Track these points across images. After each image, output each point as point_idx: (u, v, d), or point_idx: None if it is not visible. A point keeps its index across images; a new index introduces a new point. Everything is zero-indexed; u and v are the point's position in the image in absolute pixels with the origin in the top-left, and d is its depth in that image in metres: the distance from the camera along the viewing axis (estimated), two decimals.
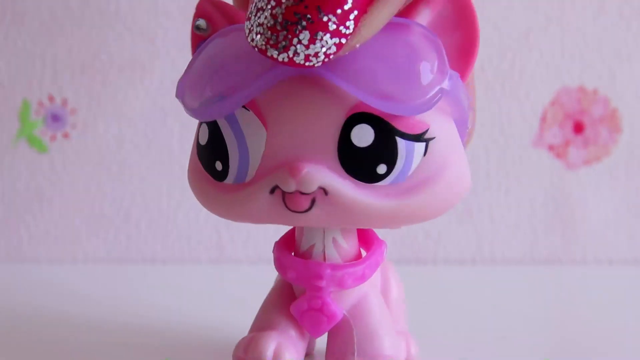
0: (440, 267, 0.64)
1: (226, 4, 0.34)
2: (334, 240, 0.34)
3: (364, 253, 0.35)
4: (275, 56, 0.29)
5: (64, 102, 0.63)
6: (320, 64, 0.29)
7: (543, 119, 0.64)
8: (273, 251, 0.35)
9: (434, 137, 0.32)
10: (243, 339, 0.35)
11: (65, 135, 0.63)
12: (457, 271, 0.63)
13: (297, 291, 0.35)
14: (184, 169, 0.63)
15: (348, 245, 0.34)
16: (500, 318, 0.49)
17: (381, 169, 0.31)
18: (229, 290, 0.55)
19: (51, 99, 0.63)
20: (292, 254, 0.35)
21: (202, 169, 0.33)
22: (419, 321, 0.46)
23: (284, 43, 0.29)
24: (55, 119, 0.63)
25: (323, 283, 0.33)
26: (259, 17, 0.29)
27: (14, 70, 0.62)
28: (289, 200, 0.31)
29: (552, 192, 0.65)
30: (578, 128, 0.64)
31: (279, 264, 0.34)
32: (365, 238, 0.35)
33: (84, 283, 0.57)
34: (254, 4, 0.30)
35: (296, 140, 0.31)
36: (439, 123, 0.32)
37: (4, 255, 0.63)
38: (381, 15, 0.30)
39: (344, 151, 0.31)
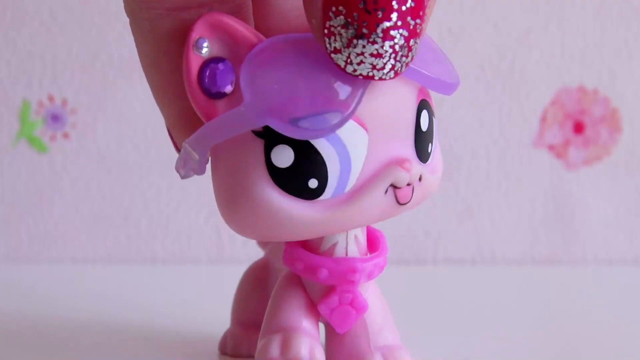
0: (440, 267, 0.64)
1: (228, 23, 0.32)
2: (355, 237, 0.34)
3: None
4: (383, 77, 0.30)
5: (64, 102, 0.63)
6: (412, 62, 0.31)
7: (543, 119, 0.64)
8: (289, 255, 0.34)
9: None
10: (270, 340, 0.34)
11: (65, 135, 0.63)
12: (457, 271, 0.63)
13: (313, 290, 0.35)
14: None
15: (363, 239, 0.35)
16: (500, 318, 0.49)
17: (429, 148, 0.33)
18: (229, 290, 0.55)
19: (51, 99, 0.63)
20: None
21: (281, 192, 0.32)
22: (419, 321, 0.47)
23: (389, 64, 0.30)
24: (55, 119, 0.63)
25: (357, 277, 0.34)
26: (355, 47, 0.29)
27: (14, 70, 0.62)
28: (400, 194, 0.32)
29: (552, 192, 0.65)
30: (578, 128, 0.64)
31: (306, 265, 0.34)
32: (367, 230, 0.36)
33: (83, 283, 0.57)
34: (338, 35, 0.29)
35: (391, 135, 0.32)
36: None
37: (4, 255, 0.63)
38: (433, 5, 0.31)
39: (417, 137, 0.33)
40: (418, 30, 0.30)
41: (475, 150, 0.64)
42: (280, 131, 0.30)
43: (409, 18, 0.29)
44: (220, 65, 0.32)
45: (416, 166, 0.32)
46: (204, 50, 0.32)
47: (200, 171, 0.34)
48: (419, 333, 0.42)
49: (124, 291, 0.54)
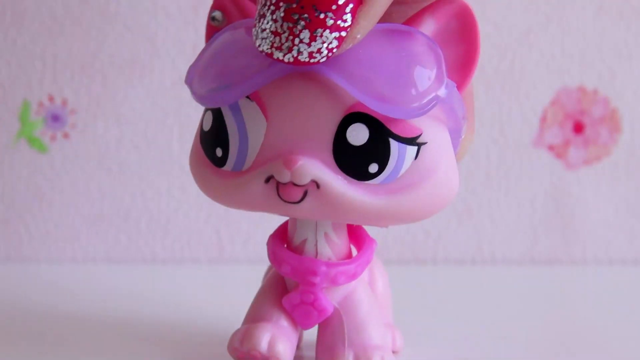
0: (440, 267, 0.64)
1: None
2: (326, 235, 0.35)
3: (353, 250, 0.36)
4: (281, 58, 0.31)
5: (64, 102, 0.63)
6: (324, 59, 0.31)
7: (543, 119, 0.64)
8: (267, 244, 0.36)
9: (426, 142, 0.33)
10: (237, 330, 0.35)
11: (65, 136, 0.63)
12: (457, 271, 0.63)
13: (289, 284, 0.36)
14: (184, 169, 0.63)
15: (339, 240, 0.35)
16: (500, 318, 0.49)
17: (373, 167, 0.32)
18: (228, 290, 0.55)
19: (51, 99, 0.63)
20: (285, 247, 0.36)
21: (204, 154, 0.34)
22: (419, 321, 0.47)
23: (287, 44, 0.30)
24: (55, 119, 0.63)
25: (317, 279, 0.34)
26: (262, 23, 0.31)
27: (14, 70, 0.62)
28: (282, 190, 0.32)
29: (552, 192, 0.65)
30: (578, 128, 0.64)
31: (274, 257, 0.35)
32: (356, 235, 0.36)
33: (84, 283, 0.57)
34: (257, 12, 0.31)
35: (294, 133, 0.32)
36: (432, 129, 0.33)
37: (4, 255, 0.63)
38: (377, 5, 0.31)
39: (338, 148, 0.32)
40: (328, 23, 0.30)
41: (475, 150, 0.64)
42: (193, 97, 0.34)
43: (313, 6, 0.30)
44: None
45: (310, 169, 0.32)
46: (216, 22, 0.35)
47: None
48: (418, 333, 0.42)
49: (123, 291, 0.54)
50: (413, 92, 0.31)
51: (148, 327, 0.45)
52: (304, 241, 0.35)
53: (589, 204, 0.65)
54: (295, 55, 0.30)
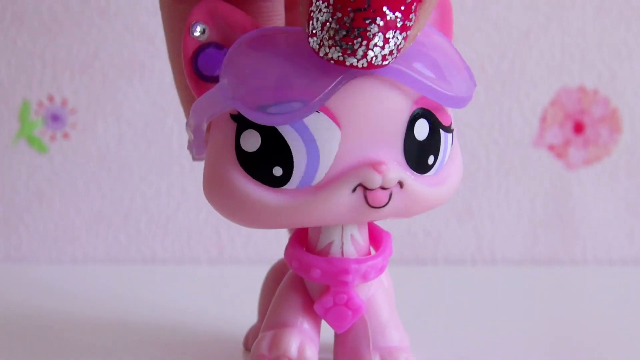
0: (440, 267, 0.64)
1: (224, 10, 0.33)
2: (352, 237, 0.34)
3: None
4: (355, 64, 0.30)
5: (64, 102, 0.63)
6: (394, 59, 0.31)
7: (543, 119, 0.64)
8: (288, 253, 0.35)
9: (454, 129, 0.34)
10: (263, 337, 0.34)
11: (65, 135, 0.63)
12: (457, 271, 0.63)
13: (314, 289, 0.35)
14: (184, 169, 0.63)
15: (363, 241, 0.35)
16: (500, 318, 0.49)
17: (431, 160, 0.33)
18: (229, 291, 0.55)
19: (51, 99, 0.63)
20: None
21: (246, 176, 0.32)
22: (419, 321, 0.46)
23: (361, 50, 0.30)
24: (55, 119, 0.63)
25: (350, 278, 0.34)
26: (328, 30, 0.30)
27: (14, 70, 0.62)
28: (370, 197, 0.32)
29: (552, 192, 0.65)
30: (578, 128, 0.64)
31: (300, 264, 0.34)
32: (372, 231, 0.36)
33: (84, 283, 0.57)
34: (314, 20, 0.30)
35: (370, 136, 0.32)
36: (451, 115, 0.34)
37: (4, 255, 0.63)
38: (434, 2, 0.31)
39: (408, 145, 0.32)
40: (399, 25, 0.30)
41: (475, 150, 0.64)
42: (244, 114, 0.31)
43: (385, 8, 0.29)
44: (213, 50, 0.33)
45: (394, 171, 0.32)
46: (198, 34, 0.33)
47: (200, 152, 0.35)
48: (418, 333, 0.42)
49: (123, 291, 0.54)
50: (468, 80, 0.33)
51: (148, 327, 0.45)
52: (330, 244, 0.34)
53: (589, 204, 0.65)
54: (369, 59, 0.30)
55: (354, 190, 0.32)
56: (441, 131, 0.33)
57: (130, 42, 0.62)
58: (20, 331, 0.44)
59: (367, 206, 0.32)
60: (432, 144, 0.33)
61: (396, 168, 0.32)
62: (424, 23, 0.31)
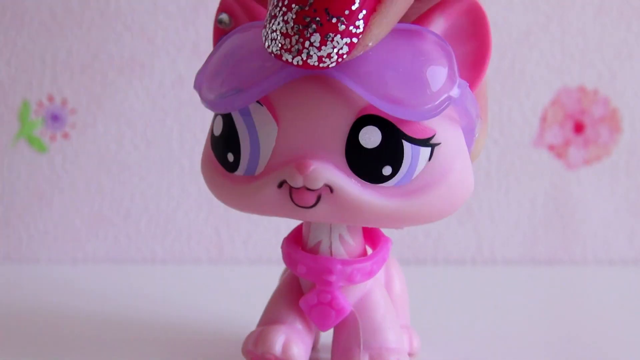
0: (440, 267, 0.64)
1: (249, 0, 0.35)
2: (340, 237, 0.35)
3: (369, 250, 0.36)
4: (290, 60, 0.30)
5: (64, 102, 0.63)
6: (334, 64, 0.30)
7: (543, 119, 0.64)
8: (282, 247, 0.36)
9: (439, 143, 0.32)
10: (252, 332, 0.35)
11: (65, 135, 0.63)
12: (457, 271, 0.63)
13: (305, 286, 0.36)
14: (184, 169, 0.63)
15: (354, 241, 0.35)
16: (500, 318, 0.49)
17: (386, 170, 0.32)
18: (228, 290, 0.55)
19: (51, 99, 0.63)
20: (300, 249, 0.36)
21: (215, 159, 0.34)
22: (419, 321, 0.46)
23: (297, 47, 0.30)
24: (55, 119, 0.63)
25: (333, 278, 0.34)
26: (272, 24, 0.30)
27: (14, 70, 0.62)
28: (295, 195, 0.32)
29: (552, 192, 0.65)
30: (578, 128, 0.64)
31: (289, 258, 0.35)
32: (371, 235, 0.36)
33: (84, 283, 0.57)
34: (268, 12, 0.31)
35: (306, 137, 0.32)
36: (445, 129, 0.33)
37: (4, 255, 0.63)
38: (391, 13, 0.30)
39: (351, 151, 0.32)
40: (340, 28, 0.30)
41: None
42: (203, 103, 0.33)
43: (326, 9, 0.29)
44: None
45: (321, 173, 0.31)
46: (223, 24, 0.34)
47: None
48: (419, 333, 0.42)
49: (123, 291, 0.54)
50: (425, 93, 0.31)
51: (148, 327, 0.45)
52: (319, 243, 0.35)
53: (589, 204, 0.65)
54: (304, 58, 0.30)
55: (280, 185, 0.32)
56: (405, 142, 0.32)
57: (130, 42, 0.62)
58: (21, 331, 0.44)
59: (293, 204, 0.32)
60: (386, 154, 0.32)
61: (325, 171, 0.31)
62: (381, 33, 0.30)
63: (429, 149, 0.32)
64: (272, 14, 0.30)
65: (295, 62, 0.30)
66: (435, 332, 0.45)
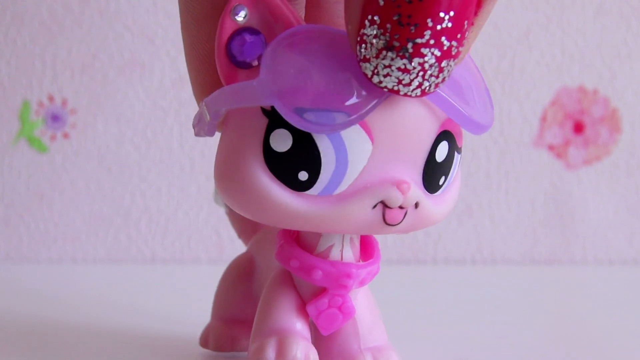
0: (440, 267, 0.64)
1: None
2: (352, 241, 0.34)
3: None
4: (409, 94, 0.29)
5: (64, 102, 0.63)
6: (444, 84, 0.30)
7: (543, 119, 0.64)
8: (285, 252, 0.34)
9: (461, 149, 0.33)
10: (265, 343, 0.34)
11: (65, 135, 0.63)
12: (457, 271, 0.63)
13: (306, 291, 0.35)
14: (184, 169, 0.63)
15: (359, 244, 0.35)
16: (500, 318, 0.49)
17: (442, 180, 0.32)
18: None
19: (51, 99, 0.63)
20: None
21: (270, 175, 0.31)
22: (419, 321, 0.46)
23: (417, 81, 0.29)
24: (55, 119, 0.63)
25: (350, 282, 0.34)
26: (384, 59, 0.29)
27: (14, 70, 0.62)
28: (389, 215, 0.31)
29: (552, 192, 0.65)
30: (578, 128, 0.64)
31: (302, 264, 0.34)
32: (363, 236, 0.36)
33: (84, 283, 0.57)
34: (368, 44, 0.29)
35: (397, 154, 0.31)
36: None
37: (4, 255, 0.63)
38: (482, 24, 0.30)
39: (428, 166, 0.32)
40: (453, 52, 0.29)
41: (475, 150, 0.64)
42: (283, 116, 0.30)
43: (443, 38, 0.29)
44: (252, 37, 0.32)
45: (414, 191, 0.31)
46: (240, 18, 0.32)
47: (210, 133, 0.34)
48: (418, 333, 0.42)
49: (124, 291, 0.54)
50: (490, 109, 0.32)
51: (148, 327, 0.45)
52: (330, 247, 0.34)
53: (589, 204, 0.65)
54: (423, 89, 0.29)
55: (375, 206, 0.31)
56: (455, 153, 0.32)
57: (130, 42, 0.62)
58: (20, 331, 0.44)
59: (383, 223, 0.31)
60: (447, 166, 0.32)
61: (415, 188, 0.31)
62: (472, 45, 0.30)
63: (459, 156, 0.33)
64: (379, 46, 0.29)
65: (414, 95, 0.29)
66: (435, 332, 0.45)
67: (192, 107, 0.62)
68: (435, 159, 0.32)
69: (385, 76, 0.29)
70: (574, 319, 0.51)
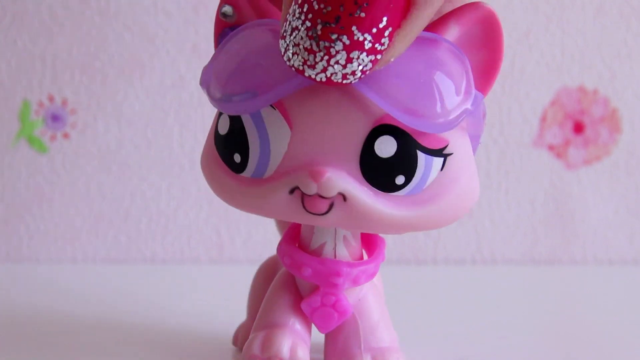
0: (440, 267, 0.64)
1: None
2: (345, 239, 0.34)
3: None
4: (313, 76, 0.30)
5: (64, 102, 0.63)
6: (356, 80, 0.30)
7: (543, 119, 0.64)
8: (280, 249, 0.35)
9: (451, 153, 0.32)
10: (254, 337, 0.35)
11: (65, 135, 0.63)
12: (457, 271, 0.63)
13: (304, 287, 0.35)
14: (184, 169, 0.63)
15: (356, 243, 0.35)
16: (500, 318, 0.49)
17: (399, 179, 0.32)
18: (228, 290, 0.55)
19: (51, 99, 0.63)
20: None
21: (219, 158, 0.33)
22: (419, 321, 0.47)
23: (321, 64, 0.29)
24: (55, 119, 0.63)
25: (340, 280, 0.34)
26: (295, 37, 0.30)
27: (14, 70, 0.62)
28: (307, 202, 0.32)
29: (552, 192, 0.65)
30: (578, 128, 0.64)
31: (292, 261, 0.34)
32: (366, 236, 0.36)
33: (84, 283, 0.57)
34: (287, 22, 0.30)
35: (320, 144, 0.31)
36: (457, 139, 0.33)
37: (4, 255, 0.63)
38: (414, 29, 0.30)
39: (365, 160, 0.31)
40: (366, 47, 0.29)
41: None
42: (210, 101, 0.33)
43: (354, 27, 0.29)
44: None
45: (337, 182, 0.31)
46: (227, 17, 0.34)
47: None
48: (418, 333, 0.42)
49: (124, 291, 0.54)
50: (444, 106, 0.31)
51: (148, 326, 0.45)
52: (323, 245, 0.34)
53: (589, 204, 0.65)
54: (328, 75, 0.30)
55: (292, 192, 0.32)
56: (420, 153, 0.32)
57: (130, 42, 0.62)
58: (21, 331, 0.44)
59: (305, 210, 0.32)
60: (401, 164, 0.31)
61: (339, 180, 0.31)
62: (402, 48, 0.30)
63: (442, 159, 0.32)
64: (294, 25, 0.30)
65: (318, 79, 0.30)
66: (435, 332, 0.45)
67: (192, 107, 0.62)
68: (376, 154, 0.31)
69: (293, 54, 0.30)
70: (574, 319, 0.51)
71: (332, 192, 0.31)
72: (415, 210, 0.32)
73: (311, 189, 0.31)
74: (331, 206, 0.31)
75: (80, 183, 0.63)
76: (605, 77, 0.64)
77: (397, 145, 0.31)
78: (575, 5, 0.64)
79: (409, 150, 0.31)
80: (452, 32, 0.33)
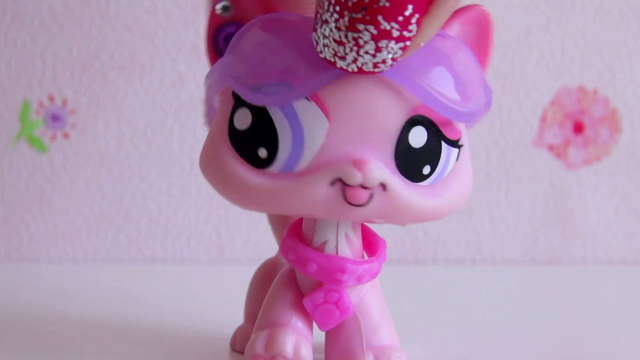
0: (440, 267, 0.64)
1: None
2: (347, 236, 0.34)
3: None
4: (344, 67, 0.30)
5: (64, 102, 0.63)
6: (388, 68, 0.30)
7: (543, 119, 0.64)
8: (285, 244, 0.35)
9: (463, 145, 0.34)
10: (257, 336, 0.34)
11: (65, 135, 0.63)
12: (457, 271, 0.63)
13: (305, 285, 0.35)
14: (184, 169, 0.63)
15: (357, 241, 0.35)
16: (500, 318, 0.49)
17: (426, 169, 0.32)
18: (228, 290, 0.55)
19: (51, 99, 0.63)
20: None
21: (234, 153, 0.33)
22: (419, 321, 0.47)
23: (351, 55, 0.30)
24: (55, 119, 0.63)
25: (345, 277, 0.34)
26: (324, 29, 0.30)
27: (14, 70, 0.62)
28: (349, 193, 0.31)
29: (552, 192, 0.65)
30: (578, 128, 0.64)
31: (298, 256, 0.34)
32: (366, 235, 0.36)
33: (84, 283, 0.57)
34: (319, 15, 0.30)
35: (358, 134, 0.32)
36: (464, 131, 0.34)
37: (4, 255, 0.63)
38: (442, 14, 0.31)
39: (400, 150, 0.32)
40: (394, 35, 0.30)
41: (475, 150, 0.64)
42: (237, 91, 0.32)
43: (380, 17, 0.29)
44: (234, 28, 0.33)
45: (378, 172, 0.31)
46: (220, 11, 0.34)
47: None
48: (418, 332, 0.42)
49: (124, 291, 0.54)
50: (477, 96, 0.32)
51: (148, 326, 0.45)
52: (325, 242, 0.34)
53: (589, 204, 0.65)
54: (359, 65, 0.30)
55: (333, 183, 0.31)
56: (443, 143, 0.33)
57: (130, 42, 0.62)
58: (21, 330, 0.45)
59: (345, 202, 0.32)
60: (429, 154, 0.32)
61: (380, 169, 0.31)
62: (432, 33, 0.31)
63: (457, 150, 0.33)
64: (323, 18, 0.30)
65: (350, 69, 0.30)
66: (435, 332, 0.45)
67: (192, 107, 0.62)
68: (409, 145, 0.32)
69: (324, 46, 0.30)
70: (573, 319, 0.51)
71: (375, 182, 0.31)
72: (435, 200, 0.33)
73: (356, 178, 0.31)
74: (371, 197, 0.32)
75: (80, 183, 0.63)
76: (605, 77, 0.64)
77: (427, 135, 0.32)
78: (575, 5, 0.64)
79: (436, 140, 0.32)
80: (454, 30, 0.33)
